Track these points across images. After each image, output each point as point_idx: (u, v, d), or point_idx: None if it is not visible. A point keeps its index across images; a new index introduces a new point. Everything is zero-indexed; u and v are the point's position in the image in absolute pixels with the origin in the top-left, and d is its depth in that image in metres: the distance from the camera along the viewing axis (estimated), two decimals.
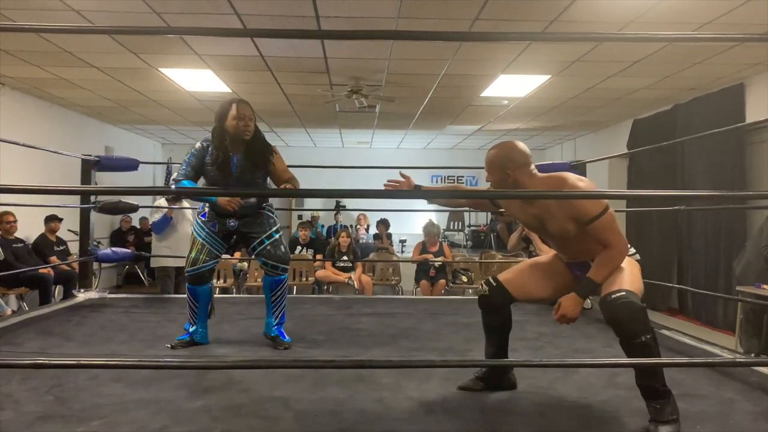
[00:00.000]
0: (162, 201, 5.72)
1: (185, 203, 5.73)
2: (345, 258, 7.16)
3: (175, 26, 4.62)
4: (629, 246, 2.26)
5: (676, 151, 7.30)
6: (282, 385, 2.46)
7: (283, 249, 3.20)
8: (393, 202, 8.98)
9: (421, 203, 12.62)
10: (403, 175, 2.62)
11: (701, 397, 2.37)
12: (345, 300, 4.84)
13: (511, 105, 7.97)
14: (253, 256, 3.28)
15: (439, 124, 9.68)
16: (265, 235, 3.16)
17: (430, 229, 7.22)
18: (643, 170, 8.27)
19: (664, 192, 3.95)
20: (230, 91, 7.25)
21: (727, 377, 2.62)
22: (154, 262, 5.84)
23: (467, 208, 12.26)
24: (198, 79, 6.72)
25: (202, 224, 3.18)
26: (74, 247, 5.49)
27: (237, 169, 3.05)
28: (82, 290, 4.57)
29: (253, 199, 3.16)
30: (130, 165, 4.65)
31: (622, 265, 2.18)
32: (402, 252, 10.16)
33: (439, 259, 7.05)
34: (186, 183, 3.07)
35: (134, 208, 4.78)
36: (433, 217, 9.50)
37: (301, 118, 9.29)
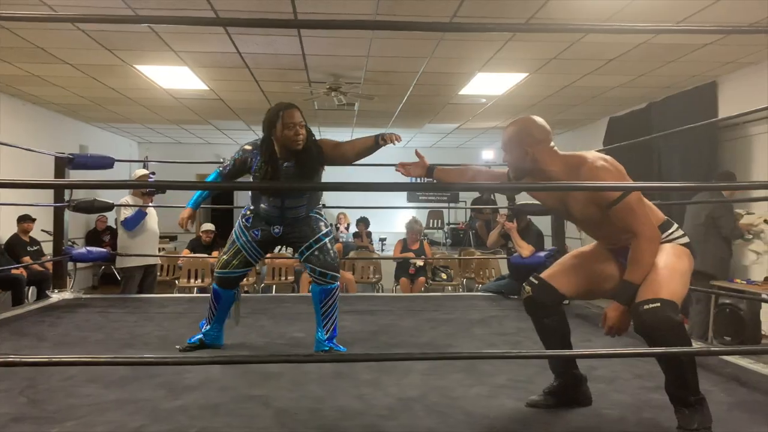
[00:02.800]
0: (128, 198, 5.33)
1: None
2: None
3: (144, 15, 4.53)
4: (673, 224, 2.07)
5: (651, 148, 7.40)
6: (260, 384, 2.44)
7: (332, 255, 2.96)
8: (373, 200, 8.98)
9: (402, 200, 12.61)
10: (418, 155, 2.43)
11: None
12: None
13: (489, 103, 8.02)
14: (301, 260, 3.04)
15: (418, 122, 9.70)
16: (313, 239, 2.94)
17: (412, 226, 7.23)
18: None
19: (685, 184, 3.91)
20: (207, 88, 7.18)
21: (702, 369, 2.65)
22: (119, 262, 5.34)
23: (446, 205, 12.25)
24: (175, 77, 6.64)
25: (243, 229, 2.99)
26: (48, 248, 5.37)
27: (287, 178, 2.86)
28: (56, 291, 4.49)
29: (301, 207, 2.93)
30: (106, 163, 4.58)
31: (664, 256, 1.96)
32: (382, 250, 10.16)
33: (421, 258, 7.06)
34: (213, 177, 3.04)
35: (110, 207, 4.71)
36: (415, 214, 9.52)
37: None
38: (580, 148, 7.26)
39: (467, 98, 7.69)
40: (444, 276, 7.48)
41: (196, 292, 6.86)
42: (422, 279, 7.12)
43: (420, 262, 7.06)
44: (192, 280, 7.28)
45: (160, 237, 6.74)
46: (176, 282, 7.38)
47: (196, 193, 3.11)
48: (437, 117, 9.16)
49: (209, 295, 3.10)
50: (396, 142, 2.79)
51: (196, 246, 7.88)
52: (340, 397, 2.31)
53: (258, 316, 3.95)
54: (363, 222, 9.73)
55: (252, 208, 3.01)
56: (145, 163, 8.69)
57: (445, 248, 11.07)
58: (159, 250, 6.78)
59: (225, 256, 2.99)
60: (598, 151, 7.85)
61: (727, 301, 5.33)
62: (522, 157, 2.09)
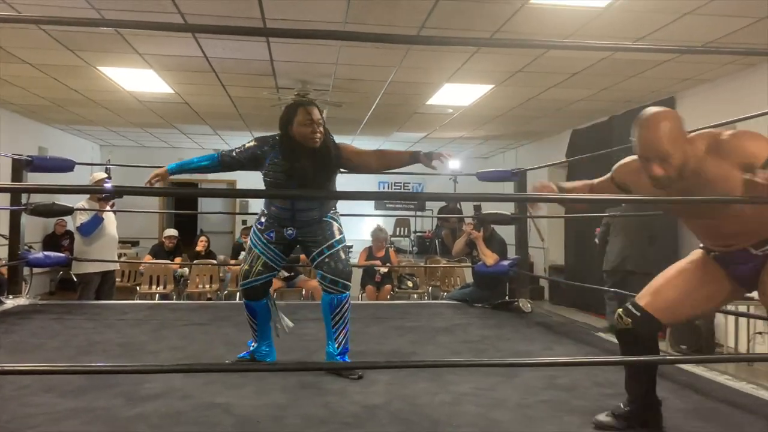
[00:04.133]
0: (84, 203, 5.13)
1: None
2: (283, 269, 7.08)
3: (110, 18, 4.45)
4: None
5: (612, 160, 7.57)
6: (223, 392, 2.41)
7: (345, 262, 2.82)
8: (340, 207, 8.95)
9: (369, 208, 12.50)
10: (543, 185, 2.34)
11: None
12: (290, 306, 4.78)
13: (456, 113, 8.11)
14: (312, 266, 2.89)
15: (386, 130, 9.74)
16: (326, 245, 2.79)
17: (378, 234, 7.24)
18: (581, 179, 8.52)
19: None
20: (173, 92, 7.08)
21: (659, 377, 2.73)
22: (76, 268, 5.12)
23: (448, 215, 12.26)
24: (139, 79, 6.53)
25: (258, 233, 2.84)
26: (3, 253, 5.19)
27: (301, 179, 2.72)
28: (11, 297, 4.35)
29: (313, 210, 2.80)
30: (65, 166, 4.46)
31: None
32: (349, 258, 10.11)
33: (386, 265, 7.07)
34: (210, 158, 2.85)
35: (69, 211, 4.60)
36: (380, 222, 9.54)
37: (247, 121, 9.17)
38: (543, 160, 7.40)
39: (434, 108, 7.76)
40: (410, 284, 7.52)
41: (158, 299, 6.73)
42: (388, 287, 7.13)
43: (385, 270, 7.08)
44: (154, 287, 7.14)
45: (121, 242, 6.61)
46: (137, 288, 7.23)
47: (183, 161, 2.92)
48: (405, 126, 9.22)
49: (245, 312, 2.90)
50: (445, 159, 2.72)
51: (158, 252, 7.75)
52: (304, 405, 2.30)
53: (221, 323, 3.90)
54: None
55: (264, 210, 2.89)
56: (106, 167, 8.50)
57: (411, 256, 11.12)
58: (119, 255, 6.64)
59: (245, 266, 2.82)
60: (559, 163, 7.97)
61: None
62: (685, 156, 1.82)
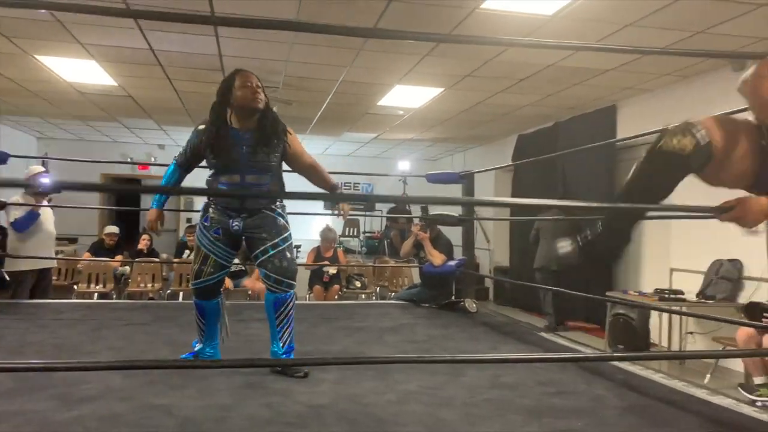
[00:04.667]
0: (18, 197, 4.92)
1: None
2: (237, 262, 6.96)
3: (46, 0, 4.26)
4: None
5: (556, 165, 7.81)
6: (165, 393, 2.34)
7: (290, 261, 2.76)
8: (289, 206, 8.86)
9: (318, 208, 12.49)
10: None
11: (576, 394, 2.54)
12: (235, 306, 4.70)
13: (407, 115, 8.16)
14: (255, 264, 2.81)
15: (336, 130, 9.71)
16: (270, 243, 2.71)
17: (327, 234, 7.20)
18: (526, 182, 8.77)
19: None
20: (116, 84, 6.85)
21: (597, 375, 2.83)
22: (9, 266, 4.84)
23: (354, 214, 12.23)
24: (80, 70, 6.28)
25: (204, 231, 2.74)
26: None
27: (247, 148, 2.63)
28: None
29: (264, 185, 2.71)
30: None
31: None
32: (297, 257, 10.03)
33: (334, 266, 7.05)
34: (172, 169, 2.79)
35: (1, 206, 4.38)
36: (330, 222, 9.50)
37: (194, 117, 8.96)
38: (490, 163, 7.54)
39: (385, 109, 7.79)
40: (358, 284, 7.51)
41: (97, 298, 6.49)
42: (336, 287, 7.11)
43: (333, 270, 7.05)
44: (92, 286, 6.88)
45: (59, 239, 6.34)
46: (75, 287, 6.95)
47: (164, 179, 2.86)
48: (355, 126, 9.22)
49: (194, 311, 2.81)
50: (343, 214, 2.97)
51: (98, 249, 7.48)
52: (249, 405, 2.26)
53: (163, 324, 3.80)
54: None
55: (209, 203, 2.78)
56: (43, 160, 8.15)
57: (360, 256, 11.12)
58: (57, 252, 6.37)
59: (195, 266, 2.74)
60: (505, 166, 8.13)
61: (621, 312, 5.70)
62: None
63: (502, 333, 3.93)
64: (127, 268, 7.20)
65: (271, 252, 2.71)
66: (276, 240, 2.73)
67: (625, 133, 6.47)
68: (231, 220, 2.71)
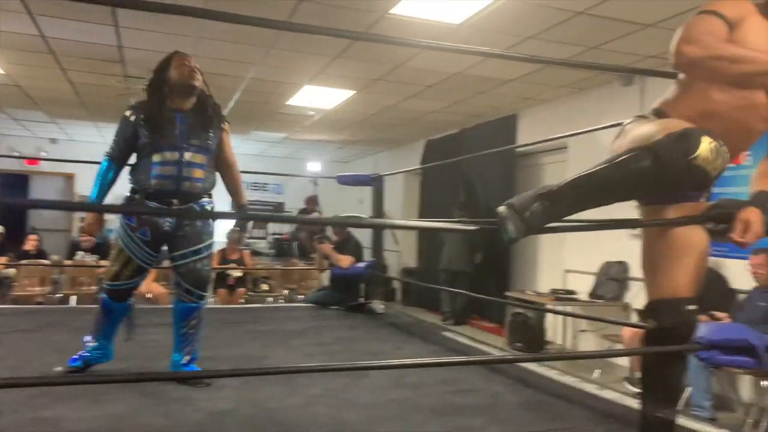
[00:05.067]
0: None
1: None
2: None
3: None
4: None
5: (461, 170, 8.08)
6: (51, 405, 2.19)
7: (207, 270, 2.66)
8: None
9: (225, 208, 12.19)
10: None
11: (475, 392, 2.63)
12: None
13: (318, 116, 8.13)
14: (171, 265, 2.65)
15: (244, 129, 9.49)
16: (192, 248, 2.58)
17: (232, 235, 7.02)
18: (433, 186, 9.00)
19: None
20: (3, 72, 6.33)
21: (495, 372, 2.95)
22: None
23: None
24: None
25: (129, 231, 2.53)
26: None
27: (184, 127, 2.53)
28: None
29: (203, 166, 2.57)
30: None
31: (694, 237, 1.72)
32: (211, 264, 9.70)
33: (240, 268, 6.89)
34: (106, 166, 2.56)
35: None
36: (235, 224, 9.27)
37: (90, 111, 8.45)
38: (399, 167, 7.62)
39: (295, 109, 7.71)
40: (265, 287, 7.39)
41: None
42: (242, 290, 6.95)
43: (238, 273, 6.89)
44: None
45: None
46: None
47: (95, 183, 2.59)
48: (264, 125, 9.06)
49: (99, 308, 2.67)
50: (240, 235, 2.86)
51: None
52: (145, 415, 2.16)
53: (52, 330, 3.56)
54: None
55: (129, 198, 2.60)
56: None
57: (268, 259, 10.93)
58: None
59: (115, 267, 2.57)
60: (413, 170, 8.29)
61: (520, 311, 5.97)
62: None
63: (408, 333, 4.00)
64: (13, 270, 6.68)
65: (191, 258, 2.60)
66: (199, 246, 2.62)
67: (525, 141, 6.80)
68: (163, 219, 2.57)
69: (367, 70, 5.84)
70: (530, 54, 4.77)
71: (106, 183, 2.60)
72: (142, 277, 2.65)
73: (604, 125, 2.79)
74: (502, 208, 1.58)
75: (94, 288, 6.63)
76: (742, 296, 4.26)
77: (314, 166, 12.44)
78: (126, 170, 2.68)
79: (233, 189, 2.88)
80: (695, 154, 1.43)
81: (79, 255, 7.01)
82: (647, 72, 4.33)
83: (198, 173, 2.57)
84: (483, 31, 4.55)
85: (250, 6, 4.23)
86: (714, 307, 4.04)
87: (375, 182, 4.93)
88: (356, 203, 11.69)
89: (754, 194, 1.71)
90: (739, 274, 4.40)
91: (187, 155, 2.53)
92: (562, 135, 3.40)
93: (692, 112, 1.63)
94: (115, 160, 2.61)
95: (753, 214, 1.61)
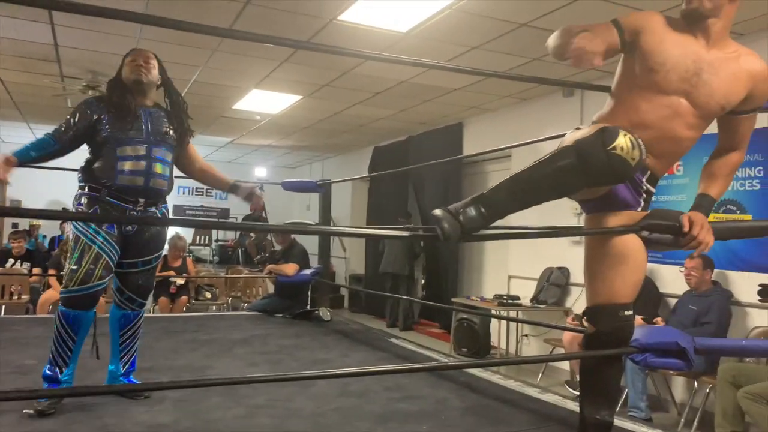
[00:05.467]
0: None
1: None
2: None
3: None
4: None
5: (408, 177, 8.15)
6: None
7: (152, 279, 2.57)
8: None
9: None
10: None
11: (421, 398, 2.64)
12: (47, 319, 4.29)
13: (264, 121, 8.02)
14: (113, 272, 2.41)
15: None
16: (143, 259, 2.46)
17: (176, 242, 6.82)
18: (381, 192, 9.03)
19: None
20: None
21: (442, 378, 2.96)
22: None
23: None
24: None
25: (95, 226, 2.32)
26: None
27: (149, 122, 2.42)
28: None
29: (167, 164, 2.45)
30: None
31: (631, 246, 1.79)
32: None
33: (182, 276, 6.69)
34: (47, 141, 2.30)
35: None
36: (179, 230, 9.03)
37: (23, 111, 8.08)
38: (348, 173, 7.63)
39: (241, 113, 7.59)
40: (208, 295, 7.21)
41: None
42: (184, 298, 6.75)
43: (181, 281, 6.70)
44: None
45: None
46: None
47: (27, 145, 2.32)
48: (210, 129, 8.87)
49: (55, 330, 2.31)
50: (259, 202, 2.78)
51: None
52: (79, 430, 2.06)
53: None
54: None
55: (83, 194, 2.38)
56: None
57: (211, 266, 10.70)
58: None
59: (83, 267, 2.26)
60: (362, 177, 8.29)
61: (465, 317, 6.05)
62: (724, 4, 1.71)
63: (354, 340, 3.98)
64: None
65: (140, 267, 2.48)
66: (150, 256, 2.50)
67: (471, 149, 6.92)
68: (126, 219, 2.44)
69: (315, 76, 5.81)
70: (470, 66, 4.86)
71: (40, 151, 2.31)
72: (110, 278, 2.41)
73: (546, 135, 2.86)
74: (438, 211, 1.60)
75: (25, 298, 6.31)
76: (674, 300, 4.45)
77: (260, 172, 12.28)
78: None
79: (213, 175, 2.81)
80: (613, 144, 1.52)
81: (10, 263, 6.67)
82: (582, 85, 4.48)
83: (165, 170, 2.45)
84: (429, 40, 4.60)
85: (195, 8, 4.15)
86: (643, 312, 4.20)
87: (322, 189, 4.90)
88: (303, 209, 11.63)
89: (697, 198, 1.83)
90: (671, 280, 4.60)
91: (156, 151, 2.42)
92: (506, 146, 3.47)
93: (625, 123, 1.71)
94: (60, 141, 2.34)
95: (698, 217, 1.72)
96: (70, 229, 2.46)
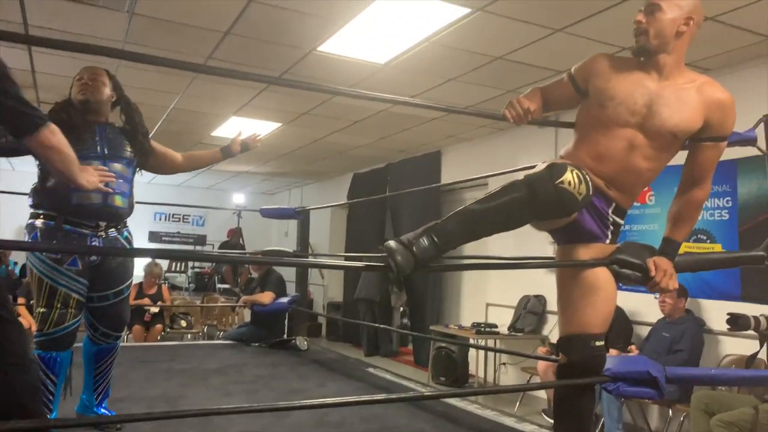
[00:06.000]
0: None
1: None
2: None
3: None
4: None
5: (387, 203, 8.19)
6: None
7: (126, 311, 2.52)
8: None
9: (142, 241, 11.71)
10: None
11: (398, 428, 2.63)
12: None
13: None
14: (84, 307, 2.34)
15: None
16: (114, 290, 2.38)
17: (151, 269, 6.74)
18: (360, 218, 9.04)
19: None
20: None
21: (419, 409, 2.96)
22: None
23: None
24: None
25: (54, 264, 2.20)
26: None
27: (105, 138, 2.34)
28: None
29: (127, 180, 2.38)
30: None
31: (602, 278, 1.82)
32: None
33: (157, 304, 6.59)
34: None
35: None
36: None
37: None
38: (327, 200, 7.62)
39: (220, 140, 7.56)
40: (183, 323, 7.11)
41: None
42: (159, 326, 6.64)
43: (155, 309, 6.60)
44: None
45: None
46: None
47: None
48: None
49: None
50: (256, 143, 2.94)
51: None
52: None
53: None
54: None
55: (33, 225, 2.27)
56: None
57: (187, 293, 10.55)
58: None
59: (56, 311, 2.20)
60: (341, 204, 8.30)
61: (443, 345, 6.04)
62: (674, 23, 1.74)
63: (331, 370, 3.96)
64: None
65: (111, 300, 2.40)
66: (121, 286, 2.43)
67: (449, 177, 7.00)
68: (88, 245, 2.29)
69: (294, 104, 5.86)
70: (447, 96, 4.96)
71: None
72: (83, 313, 2.35)
73: (521, 164, 2.93)
74: (391, 243, 1.64)
75: None
76: (647, 328, 4.51)
77: (238, 198, 12.23)
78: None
79: (199, 157, 2.88)
80: (561, 179, 1.59)
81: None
82: (549, 123, 4.58)
83: (124, 186, 2.36)
84: (406, 72, 4.69)
85: (174, 37, 4.18)
86: (615, 343, 4.25)
87: (301, 215, 4.91)
88: (282, 236, 11.58)
89: (663, 242, 1.88)
90: (644, 308, 4.67)
91: (114, 166, 2.32)
92: (483, 175, 3.53)
93: (587, 157, 1.80)
94: None
95: (663, 263, 1.79)
96: (28, 266, 2.30)
